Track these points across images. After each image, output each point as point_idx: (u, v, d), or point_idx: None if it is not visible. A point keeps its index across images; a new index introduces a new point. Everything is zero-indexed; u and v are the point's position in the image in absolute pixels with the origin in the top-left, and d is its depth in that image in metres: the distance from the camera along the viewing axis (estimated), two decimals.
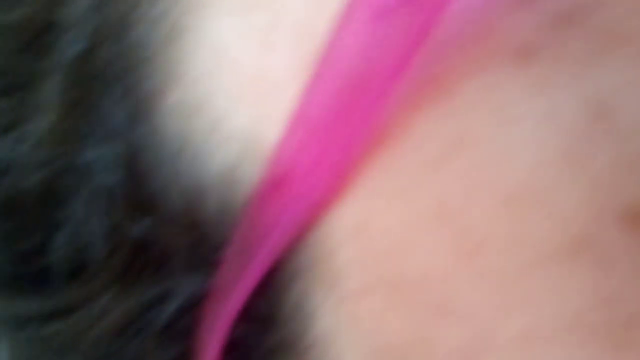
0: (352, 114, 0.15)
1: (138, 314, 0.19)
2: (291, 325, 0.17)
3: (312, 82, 0.16)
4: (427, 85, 0.16)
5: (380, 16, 0.15)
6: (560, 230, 0.15)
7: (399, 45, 0.15)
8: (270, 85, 0.17)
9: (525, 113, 0.15)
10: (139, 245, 0.19)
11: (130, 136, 0.18)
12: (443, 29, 0.15)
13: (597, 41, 0.15)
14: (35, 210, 0.19)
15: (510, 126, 0.15)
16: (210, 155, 0.18)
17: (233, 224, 0.18)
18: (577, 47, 0.15)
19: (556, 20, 0.15)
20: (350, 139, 0.16)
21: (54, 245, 0.19)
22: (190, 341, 0.19)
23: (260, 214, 0.17)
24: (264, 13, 0.17)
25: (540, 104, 0.15)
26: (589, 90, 0.15)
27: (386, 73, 0.15)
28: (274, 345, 0.18)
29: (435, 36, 0.15)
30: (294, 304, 0.17)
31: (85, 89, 0.18)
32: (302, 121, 0.16)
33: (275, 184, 0.16)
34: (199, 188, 0.18)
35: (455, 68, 0.15)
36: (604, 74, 0.15)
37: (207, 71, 0.17)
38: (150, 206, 0.18)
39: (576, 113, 0.15)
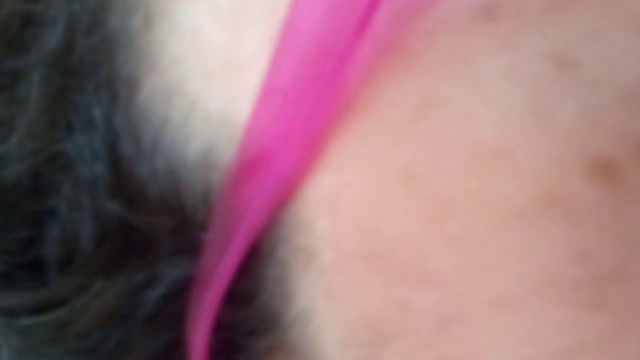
0: (318, 84, 0.16)
1: (126, 301, 0.19)
2: (273, 302, 0.18)
3: (276, 56, 0.16)
4: (391, 49, 0.16)
5: None
6: (528, 187, 0.15)
7: (356, 7, 0.15)
8: (242, 64, 0.17)
9: (489, 71, 0.15)
10: (125, 232, 0.19)
11: (109, 125, 0.18)
12: None
13: None
14: (24, 203, 0.20)
15: (474, 85, 0.15)
16: (188, 138, 0.18)
17: (214, 205, 0.18)
18: (539, 1, 0.15)
19: None
20: (318, 110, 0.16)
21: (45, 237, 0.20)
22: (179, 328, 0.19)
23: (236, 193, 0.17)
24: None
25: (504, 61, 0.15)
26: (552, 44, 0.15)
27: (347, 38, 0.15)
28: (257, 323, 0.18)
29: None
30: (274, 280, 0.17)
31: (64, 81, 0.19)
32: (269, 96, 0.16)
33: (249, 161, 0.17)
34: (179, 172, 0.18)
35: (420, 29, 0.15)
36: (566, 26, 0.15)
37: (181, 55, 0.18)
38: (133, 193, 0.19)
39: (540, 67, 0.15)
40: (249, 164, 0.17)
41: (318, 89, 0.16)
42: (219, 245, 0.18)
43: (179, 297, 0.19)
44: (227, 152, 0.17)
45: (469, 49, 0.15)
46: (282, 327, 0.18)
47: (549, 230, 0.15)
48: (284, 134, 0.16)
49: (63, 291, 0.20)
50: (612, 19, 0.15)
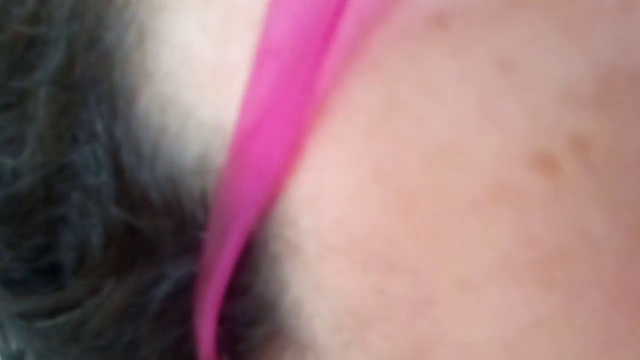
0: (293, 91, 0.17)
1: (136, 300, 0.20)
2: (268, 293, 0.19)
3: (255, 68, 0.17)
4: (357, 57, 0.17)
5: None
6: (480, 181, 0.16)
7: (323, 20, 0.16)
8: (230, 75, 0.18)
9: (443, 75, 0.16)
10: (131, 235, 0.20)
11: (110, 137, 0.20)
12: (365, 2, 0.17)
13: (502, 3, 0.16)
14: (37, 213, 0.21)
15: (431, 88, 0.16)
16: (184, 145, 0.19)
17: (212, 206, 0.19)
18: (485, 11, 0.16)
19: None
20: (296, 115, 0.17)
21: (58, 244, 0.21)
22: (187, 323, 0.20)
23: (230, 194, 0.18)
24: (217, 10, 0.18)
25: (456, 65, 0.16)
26: (496, 49, 0.16)
27: (316, 49, 0.16)
28: (256, 314, 0.19)
29: (359, 9, 0.16)
30: (268, 273, 0.18)
31: (68, 97, 0.20)
32: (252, 105, 0.17)
33: (237, 163, 0.18)
34: (178, 177, 0.19)
35: (381, 39, 0.17)
36: (508, 33, 0.16)
37: (173, 68, 0.19)
38: (136, 199, 0.20)
39: (486, 70, 0.16)
40: (238, 167, 0.18)
41: (294, 96, 0.17)
42: (217, 243, 0.19)
43: (185, 294, 0.20)
44: (220, 156, 0.18)
45: (424, 56, 0.16)
46: (278, 317, 0.19)
47: (499, 219, 0.16)
48: (267, 138, 0.17)
49: (77, 294, 0.21)
50: (547, 25, 0.16)
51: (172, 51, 0.19)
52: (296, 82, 0.17)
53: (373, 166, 0.17)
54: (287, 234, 0.18)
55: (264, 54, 0.17)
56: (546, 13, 0.16)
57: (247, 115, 0.17)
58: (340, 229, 0.17)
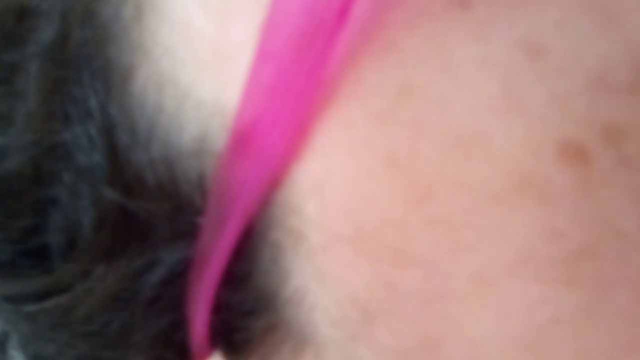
0: (302, 72, 0.16)
1: (127, 285, 0.20)
2: (268, 283, 0.18)
3: (260, 47, 0.16)
4: (372, 38, 0.16)
5: None
6: (502, 171, 0.15)
7: None
8: (231, 54, 0.17)
9: (464, 58, 0.15)
10: (124, 218, 0.19)
11: (104, 115, 0.19)
12: None
13: None
14: (26, 193, 0.20)
15: (451, 72, 0.15)
16: (182, 126, 0.18)
17: (209, 190, 0.18)
18: None
19: None
20: (304, 96, 0.16)
21: (47, 225, 0.20)
22: (180, 310, 0.20)
23: (229, 177, 0.17)
24: None
25: (478, 49, 0.15)
26: (522, 32, 0.15)
27: (328, 27, 0.15)
28: (254, 304, 0.19)
29: None
30: (268, 261, 0.18)
31: (60, 72, 0.19)
32: (257, 83, 0.16)
33: (239, 146, 0.17)
34: (174, 159, 0.19)
35: (398, 19, 0.16)
36: (535, 14, 0.15)
37: (172, 45, 0.18)
38: (130, 180, 0.19)
39: (511, 55, 0.15)
40: (240, 150, 0.17)
41: (302, 77, 0.16)
42: (214, 228, 0.18)
43: (179, 279, 0.19)
44: (219, 138, 0.18)
45: (444, 38, 0.16)
46: (278, 307, 0.18)
47: (522, 212, 0.15)
48: (272, 121, 0.16)
49: (66, 277, 0.20)
50: (578, 6, 0.15)
51: (170, 27, 0.18)
52: (305, 63, 0.16)
53: (386, 153, 0.16)
54: (290, 221, 0.17)
55: (271, 31, 0.16)
56: None
57: (250, 96, 0.17)
58: (348, 218, 0.16)
